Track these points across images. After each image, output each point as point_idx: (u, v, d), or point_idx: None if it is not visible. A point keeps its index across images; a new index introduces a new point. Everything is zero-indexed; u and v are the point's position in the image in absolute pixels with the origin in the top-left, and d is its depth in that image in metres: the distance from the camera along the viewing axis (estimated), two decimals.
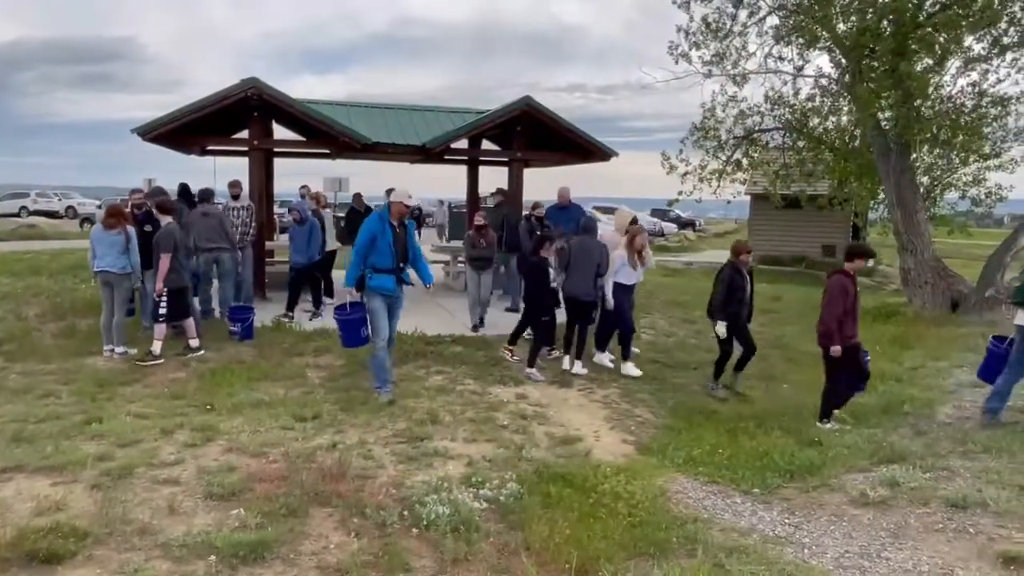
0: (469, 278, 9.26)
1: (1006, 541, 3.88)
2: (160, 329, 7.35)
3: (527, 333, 7.99)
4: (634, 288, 7.86)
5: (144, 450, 4.88)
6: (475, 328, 9.07)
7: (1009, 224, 26.77)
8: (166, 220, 7.56)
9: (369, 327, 6.40)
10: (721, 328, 7.30)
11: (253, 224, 9.75)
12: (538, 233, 8.40)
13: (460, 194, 15.82)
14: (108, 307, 7.48)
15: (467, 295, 9.58)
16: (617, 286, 7.63)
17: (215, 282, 9.19)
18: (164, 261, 7.26)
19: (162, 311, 7.32)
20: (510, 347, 7.95)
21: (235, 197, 9.65)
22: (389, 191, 6.94)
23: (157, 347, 7.27)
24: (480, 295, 9.17)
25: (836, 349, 6.10)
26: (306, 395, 6.39)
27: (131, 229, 7.60)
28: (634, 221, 8.48)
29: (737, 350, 7.51)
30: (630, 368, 7.69)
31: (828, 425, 6.24)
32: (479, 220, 9.29)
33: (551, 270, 7.72)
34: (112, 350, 7.45)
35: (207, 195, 9.34)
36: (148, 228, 8.12)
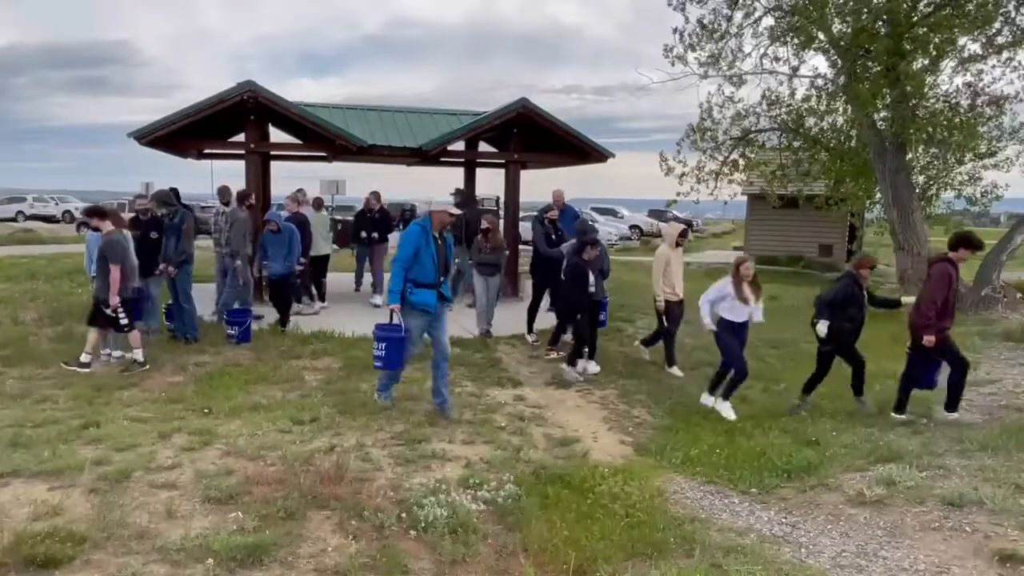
0: (476, 284, 9.11)
1: (1002, 539, 3.89)
2: (134, 337, 7.22)
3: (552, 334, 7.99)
4: (746, 326, 6.83)
5: (141, 454, 4.88)
6: (485, 334, 8.93)
7: (1005, 223, 26.82)
8: (106, 228, 7.08)
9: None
10: (822, 327, 6.62)
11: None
12: (583, 236, 7.81)
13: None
14: None
15: (475, 301, 9.38)
16: (724, 323, 6.75)
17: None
18: (115, 272, 6.91)
19: (123, 321, 7.09)
20: (552, 347, 8.04)
21: (226, 204, 9.62)
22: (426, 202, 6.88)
23: (139, 354, 7.22)
24: (488, 301, 9.01)
25: (930, 339, 5.91)
26: (304, 398, 6.39)
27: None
28: (684, 234, 8.14)
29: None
30: (726, 409, 6.67)
31: (902, 416, 6.15)
32: (484, 224, 9.06)
33: (591, 274, 7.53)
34: (109, 353, 7.45)
35: (245, 196, 9.50)
36: (154, 235, 8.16)
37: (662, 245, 7.99)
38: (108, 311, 6.97)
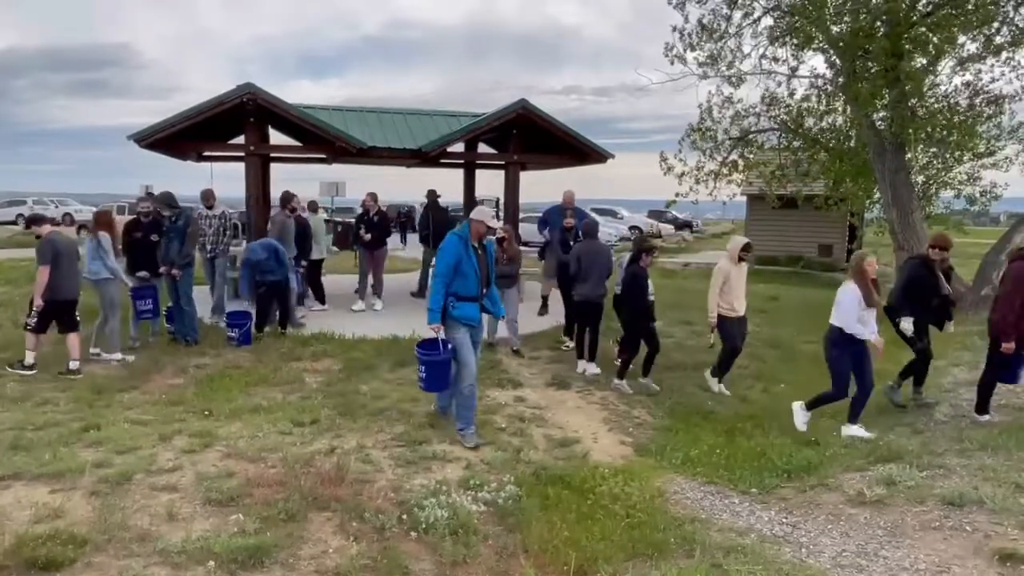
0: (507, 297, 8.42)
1: (1002, 538, 3.89)
2: (30, 339, 7.05)
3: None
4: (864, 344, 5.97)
5: (142, 456, 4.88)
6: (514, 352, 8.42)
7: (1005, 222, 26.83)
8: (44, 230, 7.00)
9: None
10: (907, 324, 6.29)
11: (228, 233, 9.67)
12: (641, 243, 7.60)
13: (454, 198, 15.82)
14: (101, 313, 7.58)
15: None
16: (843, 337, 5.88)
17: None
18: (42, 274, 6.81)
19: (31, 322, 6.99)
20: (619, 354, 7.47)
21: (209, 207, 9.62)
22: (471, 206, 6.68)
23: (30, 357, 7.03)
24: (509, 314, 8.30)
25: (1009, 346, 5.74)
26: (304, 400, 6.40)
27: (103, 235, 7.48)
28: (747, 248, 7.37)
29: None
30: (857, 431, 5.99)
31: (985, 417, 5.99)
32: (500, 233, 8.41)
33: (649, 282, 7.27)
34: (99, 354, 7.58)
35: (287, 200, 9.59)
36: (154, 237, 8.18)
37: (722, 259, 7.44)
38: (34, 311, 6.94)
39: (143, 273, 8.21)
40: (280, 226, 9.36)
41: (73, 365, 7.02)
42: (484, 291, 5.64)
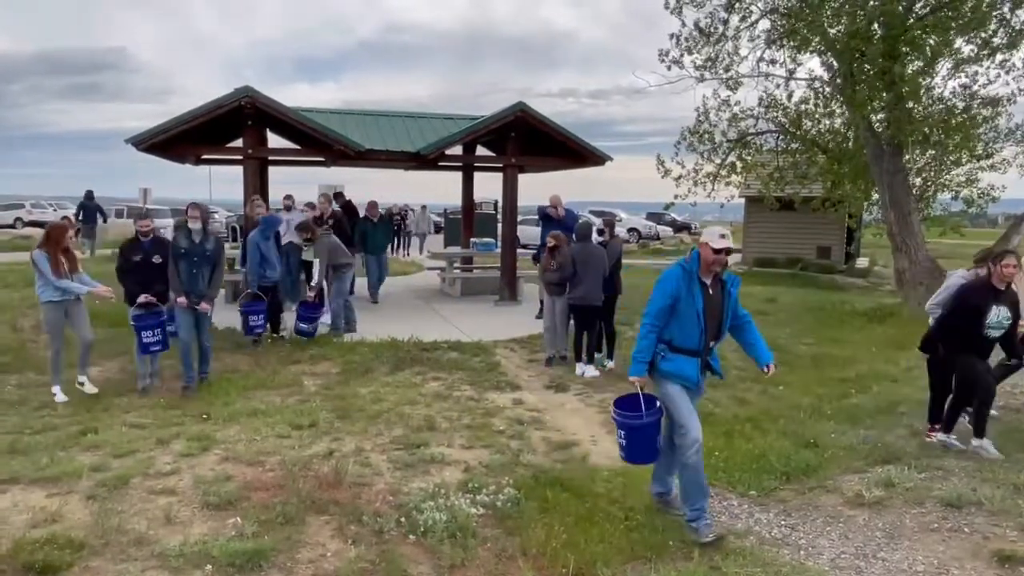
0: (545, 304, 8.36)
1: (1001, 540, 3.89)
2: None
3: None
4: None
5: (140, 460, 4.88)
6: (552, 360, 8.11)
7: (1003, 224, 26.88)
8: None
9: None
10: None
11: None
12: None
13: (452, 200, 15.86)
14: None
15: (543, 323, 8.54)
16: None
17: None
18: None
19: None
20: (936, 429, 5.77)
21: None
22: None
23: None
24: (557, 323, 8.18)
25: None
26: (302, 403, 6.39)
27: (37, 252, 6.35)
28: (990, 258, 5.62)
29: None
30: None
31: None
32: (551, 241, 8.12)
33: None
34: (83, 383, 6.75)
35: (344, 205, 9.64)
36: (158, 259, 6.84)
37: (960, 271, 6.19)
38: None
39: (144, 299, 6.79)
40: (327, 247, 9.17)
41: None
42: (710, 344, 4.24)
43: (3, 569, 3.43)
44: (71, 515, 4.02)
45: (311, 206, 10.71)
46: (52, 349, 6.56)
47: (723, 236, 4.13)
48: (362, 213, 12.09)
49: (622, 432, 4.29)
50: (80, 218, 19.44)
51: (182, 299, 6.60)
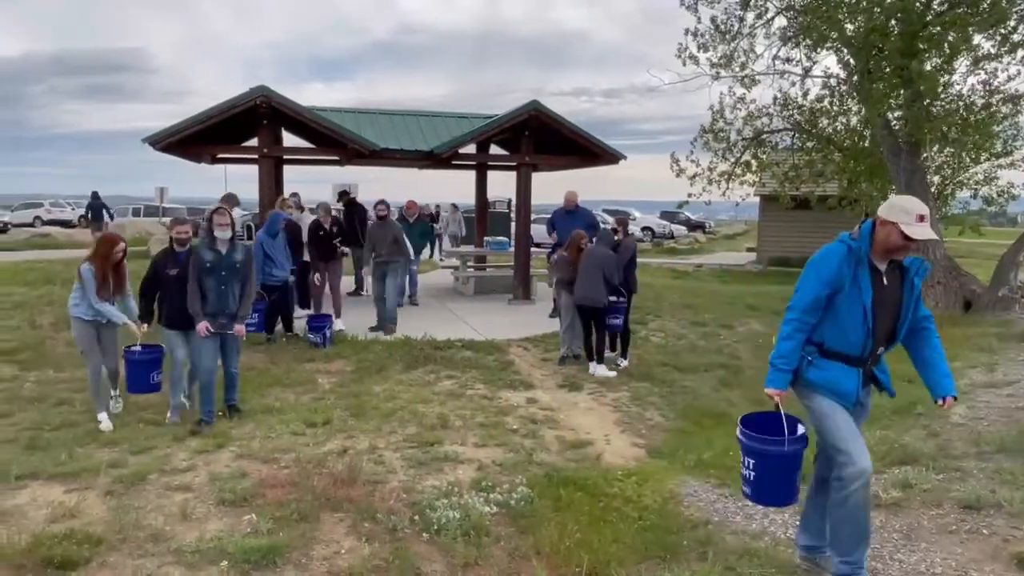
0: (563, 303, 8.21)
1: (1021, 543, 3.84)
2: None
3: None
4: None
5: (156, 457, 4.92)
6: (563, 360, 8.08)
7: (1023, 222, 26.57)
8: None
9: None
10: None
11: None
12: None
13: (466, 199, 15.88)
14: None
15: (559, 322, 8.42)
16: None
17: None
18: None
19: None
20: None
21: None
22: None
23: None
24: (575, 322, 8.09)
25: None
26: (317, 401, 6.42)
27: (85, 267, 5.65)
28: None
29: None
30: None
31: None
32: (584, 243, 8.08)
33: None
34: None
35: (385, 206, 9.66)
36: (173, 272, 5.73)
37: None
38: None
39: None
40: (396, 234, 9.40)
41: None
42: (878, 351, 3.26)
43: (23, 564, 3.48)
44: (89, 511, 4.06)
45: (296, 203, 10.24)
46: (89, 366, 5.83)
47: (922, 219, 2.98)
48: (370, 211, 12.04)
49: (751, 461, 3.29)
50: (89, 216, 22.43)
51: (204, 325, 5.53)
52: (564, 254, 8.22)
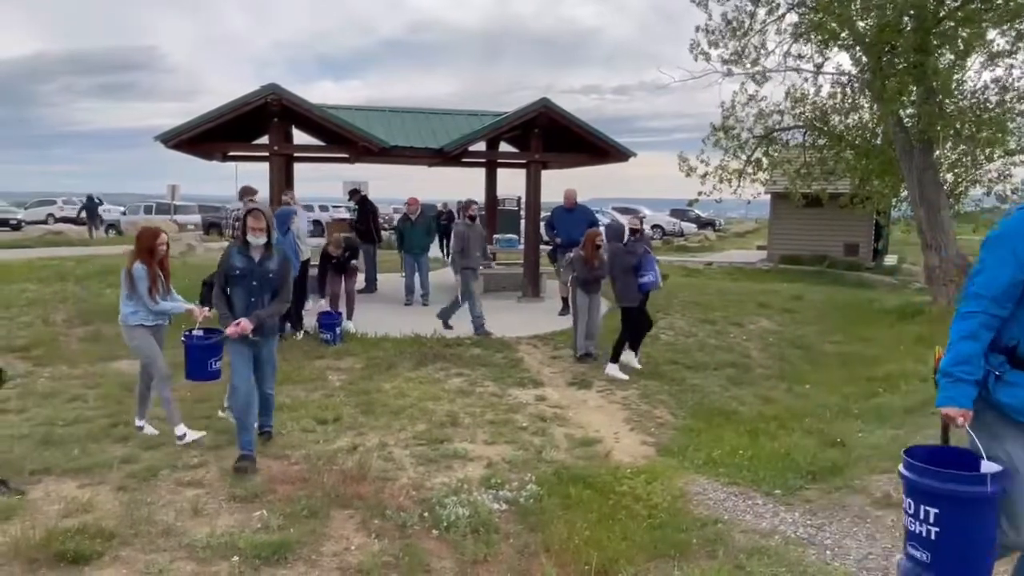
0: (579, 302, 8.03)
1: None
2: None
3: None
4: None
5: (168, 452, 4.96)
6: (586, 357, 7.96)
7: None
8: None
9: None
10: None
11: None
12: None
13: (474, 197, 15.87)
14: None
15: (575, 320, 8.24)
16: None
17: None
18: None
19: None
20: None
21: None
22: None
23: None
24: (592, 320, 8.07)
25: None
26: (327, 398, 6.45)
27: (137, 266, 5.14)
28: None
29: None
30: None
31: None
32: (600, 241, 8.03)
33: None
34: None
35: (470, 206, 9.61)
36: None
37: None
38: None
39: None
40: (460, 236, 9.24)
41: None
42: None
43: (36, 558, 3.51)
44: (102, 506, 4.09)
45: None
46: (157, 375, 5.26)
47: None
48: (380, 209, 12.09)
49: (930, 510, 2.36)
50: (85, 215, 26.92)
51: (236, 327, 4.72)
52: (581, 252, 8.07)
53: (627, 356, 7.89)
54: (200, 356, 5.09)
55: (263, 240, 4.82)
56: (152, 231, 5.40)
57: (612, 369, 7.63)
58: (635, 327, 7.83)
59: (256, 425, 5.04)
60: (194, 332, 5.16)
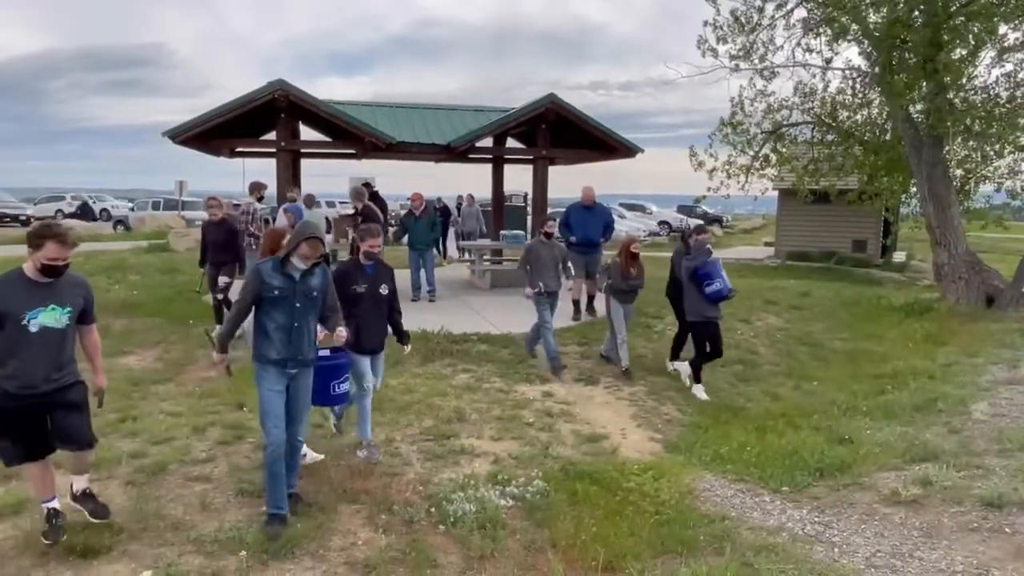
0: (613, 311, 7.63)
1: None
2: None
3: None
4: None
5: (177, 447, 4.98)
6: (627, 373, 7.45)
7: None
8: None
9: None
10: None
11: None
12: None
13: (482, 192, 15.87)
14: None
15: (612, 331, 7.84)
16: None
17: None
18: None
19: None
20: None
21: (260, 200, 9.72)
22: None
23: None
24: (625, 328, 7.72)
25: None
26: None
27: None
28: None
29: None
30: None
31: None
32: (635, 248, 7.64)
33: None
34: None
35: (545, 222, 8.60)
36: (384, 290, 5.09)
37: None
38: None
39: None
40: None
41: None
42: None
43: (46, 552, 3.53)
44: (111, 500, 4.11)
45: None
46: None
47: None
48: (390, 206, 12.05)
49: None
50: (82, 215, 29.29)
51: (222, 358, 4.37)
52: (617, 260, 7.62)
53: (681, 365, 7.57)
54: (324, 377, 4.55)
55: (308, 266, 4.10)
56: (279, 233, 4.80)
57: (698, 390, 7.13)
58: (712, 342, 7.14)
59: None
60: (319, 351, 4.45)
